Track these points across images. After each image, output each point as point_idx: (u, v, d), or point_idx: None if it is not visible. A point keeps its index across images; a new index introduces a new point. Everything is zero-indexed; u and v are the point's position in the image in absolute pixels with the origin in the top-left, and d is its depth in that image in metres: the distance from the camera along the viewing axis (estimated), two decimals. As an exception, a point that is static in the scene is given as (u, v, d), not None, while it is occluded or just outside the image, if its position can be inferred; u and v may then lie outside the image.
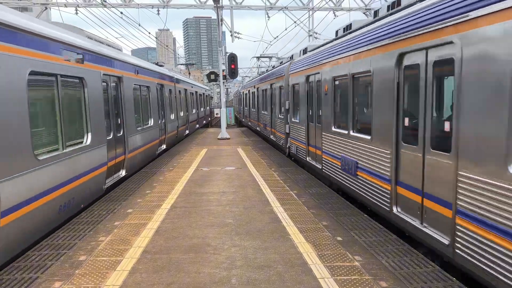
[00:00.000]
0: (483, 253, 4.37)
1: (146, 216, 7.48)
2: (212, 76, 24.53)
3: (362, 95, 7.98)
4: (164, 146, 16.70)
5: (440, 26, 5.02)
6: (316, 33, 26.62)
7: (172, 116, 18.58)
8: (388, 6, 7.79)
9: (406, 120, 6.19)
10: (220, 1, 21.21)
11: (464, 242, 4.67)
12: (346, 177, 8.60)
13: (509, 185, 4.00)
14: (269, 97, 19.17)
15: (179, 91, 20.75)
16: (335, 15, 25.75)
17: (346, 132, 8.63)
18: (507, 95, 4.00)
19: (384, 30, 6.70)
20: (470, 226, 4.58)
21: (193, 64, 47.70)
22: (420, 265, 5.14)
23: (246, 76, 60.87)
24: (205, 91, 39.10)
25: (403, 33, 5.97)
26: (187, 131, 24.07)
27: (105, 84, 9.72)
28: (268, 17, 25.15)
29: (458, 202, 4.77)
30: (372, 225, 6.79)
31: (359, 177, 7.89)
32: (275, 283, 4.74)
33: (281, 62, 20.24)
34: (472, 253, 4.55)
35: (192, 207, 8.08)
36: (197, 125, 30.62)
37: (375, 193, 7.14)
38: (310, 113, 11.73)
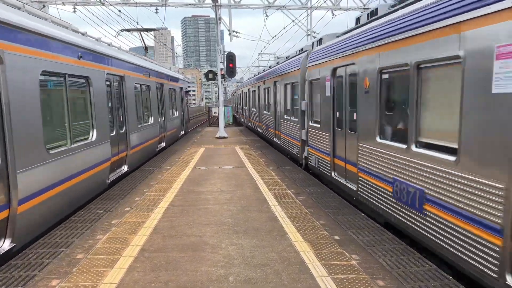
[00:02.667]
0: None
1: (143, 215, 7.47)
2: (210, 75, 24.42)
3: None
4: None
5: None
6: (314, 32, 26.63)
7: None
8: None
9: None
10: (218, 0, 21.18)
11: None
12: None
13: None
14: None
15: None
16: (333, 15, 25.78)
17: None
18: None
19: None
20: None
21: (153, 29, 21.94)
22: (417, 264, 5.15)
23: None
24: (175, 80, 21.34)
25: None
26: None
27: None
28: (267, 16, 25.15)
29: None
30: (369, 224, 6.80)
31: None
32: (273, 281, 4.75)
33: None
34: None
35: (189, 206, 8.07)
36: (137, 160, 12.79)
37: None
38: None
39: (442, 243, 5.11)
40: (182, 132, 23.52)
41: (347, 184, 8.57)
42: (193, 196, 8.90)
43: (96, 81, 9.37)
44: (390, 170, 6.49)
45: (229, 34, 24.36)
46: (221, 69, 22.63)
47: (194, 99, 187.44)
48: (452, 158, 4.88)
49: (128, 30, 20.29)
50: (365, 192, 7.53)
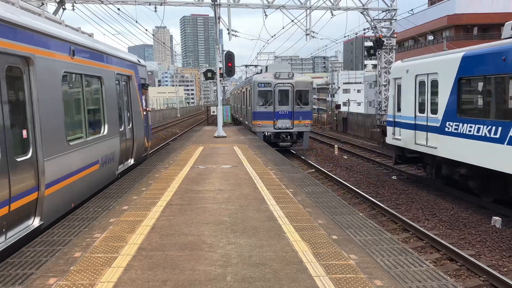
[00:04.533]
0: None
1: (141, 213, 7.46)
2: (209, 74, 24.41)
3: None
4: None
5: None
6: (313, 32, 26.64)
7: None
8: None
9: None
10: (218, -1, 21.17)
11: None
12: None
13: None
14: None
15: None
16: (332, 15, 25.80)
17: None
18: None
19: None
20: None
21: None
22: (415, 264, 5.16)
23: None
24: (103, 59, 9.93)
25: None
26: None
27: None
28: (266, 15, 25.18)
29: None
30: (367, 224, 6.81)
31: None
32: (270, 281, 4.75)
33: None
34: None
35: (188, 205, 8.07)
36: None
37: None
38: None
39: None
40: (131, 162, 12.95)
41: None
42: (191, 195, 8.89)
43: None
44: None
45: (228, 33, 24.36)
46: (220, 68, 22.64)
47: (192, 98, 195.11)
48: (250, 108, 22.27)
49: None
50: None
